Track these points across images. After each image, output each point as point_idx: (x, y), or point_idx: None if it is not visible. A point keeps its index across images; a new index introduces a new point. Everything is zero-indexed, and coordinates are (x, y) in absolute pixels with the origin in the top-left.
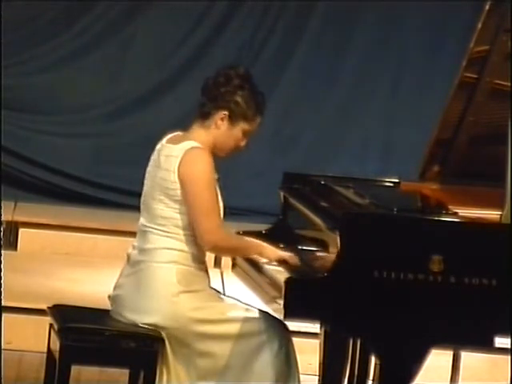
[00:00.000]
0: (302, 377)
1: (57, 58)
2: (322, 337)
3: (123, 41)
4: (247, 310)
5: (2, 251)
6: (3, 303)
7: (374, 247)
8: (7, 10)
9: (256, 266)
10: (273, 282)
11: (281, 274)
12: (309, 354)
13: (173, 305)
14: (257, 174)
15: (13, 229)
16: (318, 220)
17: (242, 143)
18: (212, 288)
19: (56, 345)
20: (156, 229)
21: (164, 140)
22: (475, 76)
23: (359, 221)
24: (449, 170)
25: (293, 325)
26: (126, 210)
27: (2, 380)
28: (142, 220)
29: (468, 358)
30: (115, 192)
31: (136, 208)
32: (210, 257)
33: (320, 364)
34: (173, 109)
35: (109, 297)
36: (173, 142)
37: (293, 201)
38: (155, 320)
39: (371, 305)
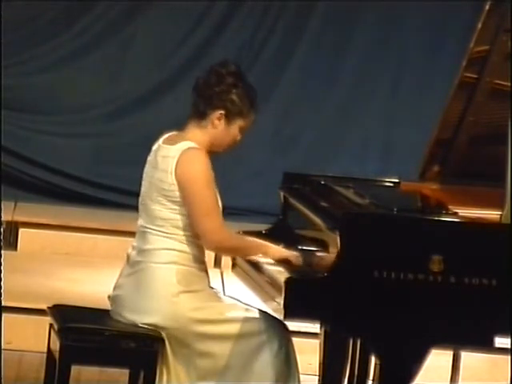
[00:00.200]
0: (302, 377)
1: (57, 58)
2: (322, 337)
3: (123, 41)
4: (247, 310)
5: (2, 251)
6: (3, 303)
7: (373, 247)
8: (7, 10)
9: (256, 265)
10: (273, 282)
11: (281, 274)
12: (309, 354)
13: (173, 305)
14: (257, 174)
15: (13, 229)
16: (318, 220)
17: (239, 138)
18: (212, 288)
19: (56, 345)
20: (155, 230)
21: (160, 140)
22: (475, 76)
23: (359, 221)
24: (449, 170)
25: (293, 325)
26: (126, 209)
27: (2, 380)
28: (140, 221)
29: (468, 357)
30: (115, 192)
31: (136, 208)
32: (209, 257)
33: (320, 364)
34: (173, 109)
35: (108, 297)
36: (169, 142)
37: (293, 201)
38: (155, 320)
39: (371, 305)
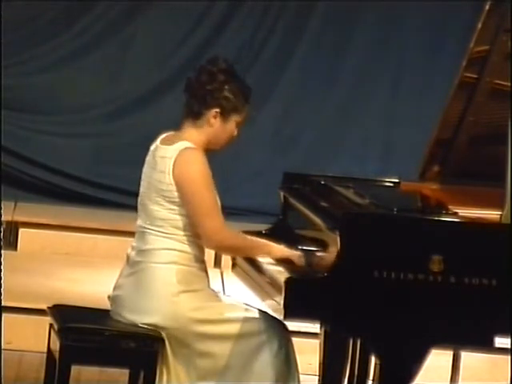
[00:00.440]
0: (301, 377)
1: (57, 58)
2: (322, 337)
3: (123, 41)
4: (247, 310)
5: (2, 251)
6: (3, 303)
7: (374, 247)
8: (7, 10)
9: (256, 265)
10: (273, 282)
11: (281, 274)
12: (309, 354)
13: (173, 305)
14: (257, 174)
15: (13, 229)
16: (318, 220)
17: (235, 134)
18: (211, 289)
19: (56, 345)
20: (154, 230)
21: (158, 140)
22: (475, 76)
23: (359, 221)
24: (449, 170)
25: (293, 325)
26: (126, 210)
27: (2, 380)
28: (139, 221)
29: (468, 357)
30: (115, 192)
31: (136, 208)
32: (209, 257)
33: (320, 364)
34: (173, 109)
35: (108, 297)
36: (166, 142)
37: (293, 201)
38: (155, 320)
39: (371, 305)
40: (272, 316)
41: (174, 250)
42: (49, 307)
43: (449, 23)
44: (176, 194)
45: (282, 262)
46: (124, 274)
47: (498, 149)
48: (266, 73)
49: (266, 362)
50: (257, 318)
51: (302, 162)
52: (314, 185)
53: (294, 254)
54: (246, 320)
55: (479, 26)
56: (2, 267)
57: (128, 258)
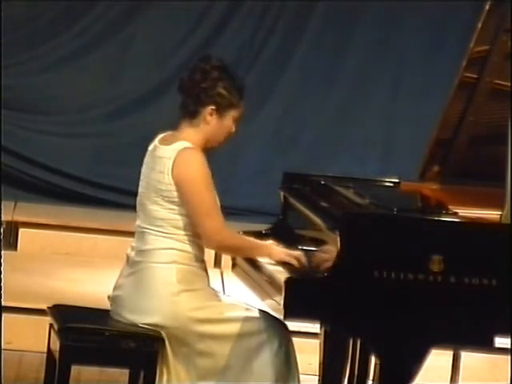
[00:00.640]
0: (301, 377)
1: (57, 58)
2: (322, 337)
3: (123, 41)
4: (247, 309)
5: (2, 251)
6: (3, 303)
7: (374, 247)
8: (7, 10)
9: (256, 265)
10: (273, 282)
11: (281, 274)
12: (309, 354)
13: (173, 304)
14: (257, 174)
15: (13, 229)
16: (318, 220)
17: (233, 130)
18: (211, 288)
19: (56, 345)
20: (153, 230)
21: (156, 141)
22: (475, 76)
23: (359, 221)
24: (449, 170)
25: (293, 325)
26: (126, 210)
27: (2, 380)
28: (138, 221)
29: (468, 357)
30: (115, 192)
31: (136, 208)
32: (209, 257)
33: (320, 364)
34: (173, 109)
35: (108, 297)
36: (165, 142)
37: (293, 201)
38: (155, 320)
39: (371, 305)
40: (272, 316)
41: (174, 249)
42: (49, 307)
43: (449, 23)
44: (175, 193)
45: (283, 263)
46: (124, 274)
47: (497, 149)
48: (265, 73)
49: (266, 362)
50: (257, 318)
51: (302, 162)
52: (314, 185)
53: (292, 258)
54: (246, 319)
55: (479, 25)
56: (2, 267)
57: (128, 258)
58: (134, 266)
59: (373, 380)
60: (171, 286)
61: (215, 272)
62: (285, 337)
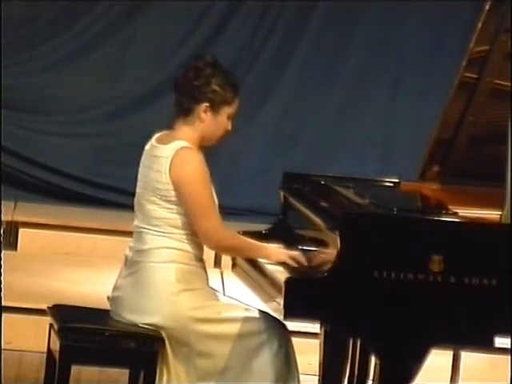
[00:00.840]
0: (301, 377)
1: (57, 58)
2: (322, 337)
3: (123, 41)
4: (247, 309)
5: (2, 251)
6: (3, 303)
7: (374, 247)
8: (7, 10)
9: (256, 265)
10: (273, 282)
11: (281, 274)
12: (309, 354)
13: (173, 304)
14: (257, 174)
15: (13, 229)
16: (318, 220)
17: (229, 127)
18: (210, 287)
19: (56, 345)
20: (151, 229)
21: (153, 140)
22: (475, 76)
23: (359, 221)
24: (449, 170)
25: (293, 325)
26: (126, 210)
27: (2, 380)
28: (136, 221)
29: (468, 357)
30: (115, 192)
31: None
32: (209, 257)
33: (320, 364)
34: (173, 109)
35: (108, 298)
36: (162, 142)
37: (293, 201)
38: (155, 320)
39: (371, 305)
40: (272, 316)
41: (173, 248)
42: (49, 307)
43: (449, 23)
44: (173, 193)
45: (281, 264)
46: (123, 275)
47: (497, 149)
48: (265, 73)
49: (265, 362)
50: (257, 318)
51: (302, 162)
52: (314, 185)
53: (291, 259)
54: (245, 320)
55: (479, 25)
56: (2, 267)
57: (126, 258)
58: (132, 266)
59: (373, 380)
60: (171, 286)
61: (215, 272)
62: (284, 337)
